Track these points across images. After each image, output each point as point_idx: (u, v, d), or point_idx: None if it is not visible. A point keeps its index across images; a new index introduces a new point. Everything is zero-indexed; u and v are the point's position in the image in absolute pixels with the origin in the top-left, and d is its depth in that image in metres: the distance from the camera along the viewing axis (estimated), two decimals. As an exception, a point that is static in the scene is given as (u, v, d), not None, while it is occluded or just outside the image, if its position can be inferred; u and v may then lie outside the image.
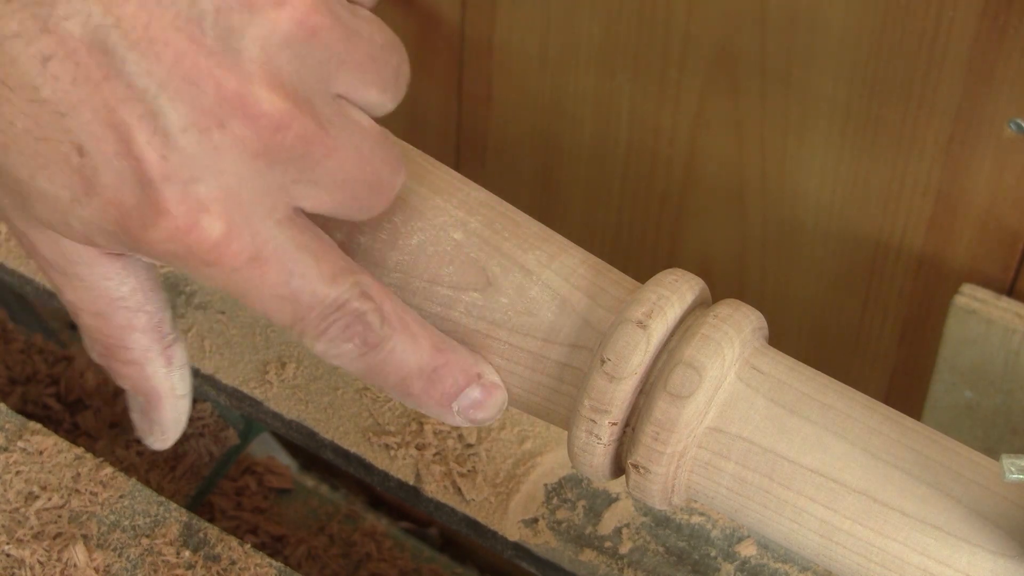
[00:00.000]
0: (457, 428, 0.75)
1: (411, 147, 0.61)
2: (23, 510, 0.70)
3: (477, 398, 0.56)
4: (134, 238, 0.50)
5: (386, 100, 0.54)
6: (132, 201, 0.49)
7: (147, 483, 0.79)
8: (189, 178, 0.49)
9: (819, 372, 0.56)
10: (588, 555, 0.71)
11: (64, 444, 0.72)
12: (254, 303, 0.52)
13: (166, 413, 0.57)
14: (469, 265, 0.57)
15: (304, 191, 0.51)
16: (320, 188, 0.51)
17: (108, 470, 0.71)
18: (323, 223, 0.54)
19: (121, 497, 0.71)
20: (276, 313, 0.52)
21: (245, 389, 0.76)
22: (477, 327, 0.57)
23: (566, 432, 0.59)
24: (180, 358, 0.57)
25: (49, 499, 0.70)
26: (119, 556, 0.69)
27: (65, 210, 0.50)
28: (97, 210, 0.49)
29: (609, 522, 0.72)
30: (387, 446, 0.74)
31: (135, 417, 0.58)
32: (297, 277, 0.51)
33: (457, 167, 1.08)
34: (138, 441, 0.82)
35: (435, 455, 0.74)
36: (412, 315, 0.54)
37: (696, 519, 0.72)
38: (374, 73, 0.53)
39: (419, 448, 0.74)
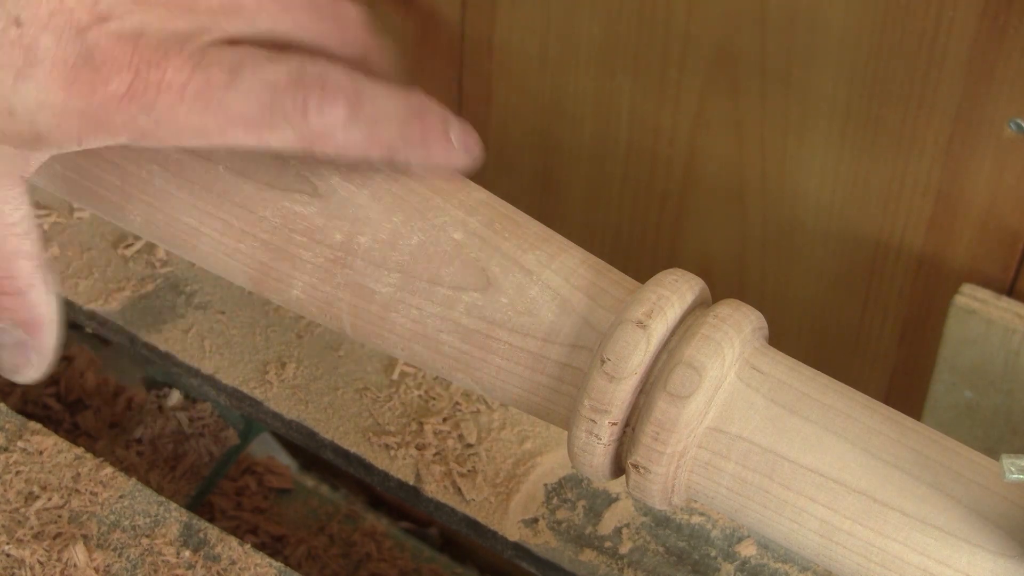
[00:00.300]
0: (457, 428, 0.75)
1: None
2: (23, 510, 0.70)
3: (457, 124, 0.56)
4: (89, 92, 0.49)
5: None
6: (76, 53, 0.49)
7: (147, 483, 0.79)
8: (123, 13, 0.49)
9: (819, 372, 0.56)
10: (588, 555, 0.71)
11: (64, 444, 0.72)
12: (230, 115, 0.51)
13: (47, 338, 0.57)
14: (469, 265, 0.57)
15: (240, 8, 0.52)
16: (260, 4, 0.52)
17: (108, 470, 0.71)
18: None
19: (121, 497, 0.71)
20: (253, 112, 0.52)
21: (245, 389, 0.76)
22: (477, 327, 0.57)
23: (566, 432, 0.59)
24: (52, 281, 0.56)
25: (49, 499, 0.70)
26: (119, 556, 0.69)
27: (8, 93, 0.49)
28: (43, 78, 0.49)
29: (609, 522, 0.72)
30: (387, 446, 0.74)
31: (5, 354, 0.57)
32: (248, 69, 0.52)
33: (457, 167, 1.08)
34: (138, 441, 0.82)
35: (435, 455, 0.74)
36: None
37: (696, 519, 0.72)
38: None
39: (419, 448, 0.74)
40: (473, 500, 0.72)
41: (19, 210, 0.54)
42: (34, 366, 0.58)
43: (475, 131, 0.57)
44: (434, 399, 0.76)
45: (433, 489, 0.73)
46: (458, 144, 0.56)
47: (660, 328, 0.55)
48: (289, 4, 0.54)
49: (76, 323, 0.82)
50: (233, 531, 0.86)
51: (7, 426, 0.73)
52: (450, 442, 0.74)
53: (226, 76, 0.51)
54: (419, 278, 0.57)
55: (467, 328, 0.57)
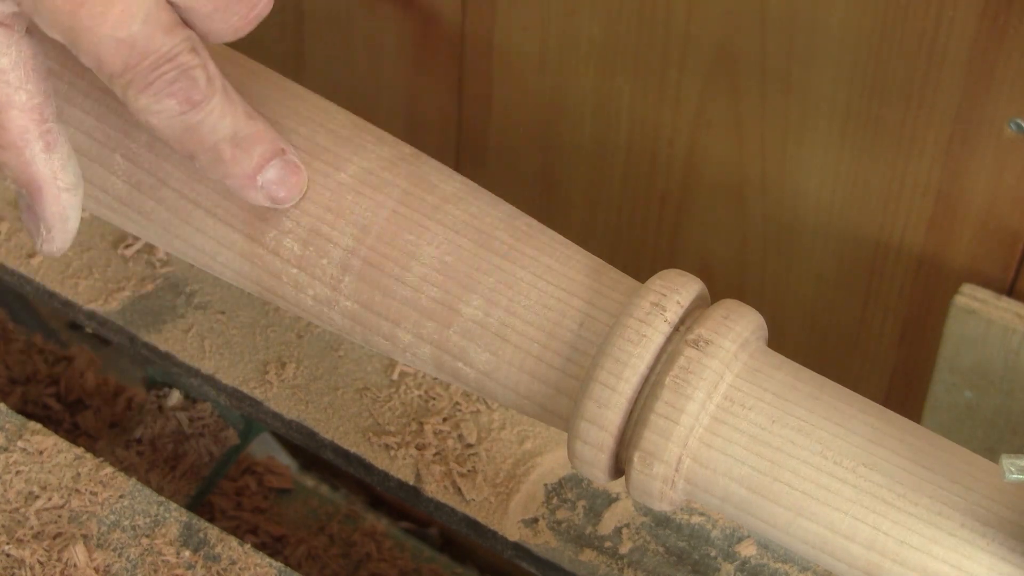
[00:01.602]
0: (457, 428, 0.75)
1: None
2: (23, 510, 0.70)
3: (280, 173, 0.56)
4: None
5: None
6: None
7: (147, 483, 0.79)
8: None
9: (817, 374, 0.56)
10: (588, 555, 0.71)
11: (64, 444, 0.72)
12: (89, 44, 0.52)
13: (49, 204, 0.56)
14: (466, 276, 0.57)
15: None
16: None
17: (108, 470, 0.71)
18: None
19: (121, 497, 0.71)
20: (109, 57, 0.52)
21: (245, 389, 0.76)
22: (479, 333, 0.57)
23: (566, 432, 0.59)
24: (62, 148, 0.56)
25: (49, 499, 0.70)
26: (119, 556, 0.69)
27: None
28: None
29: (609, 522, 0.72)
30: (387, 446, 0.74)
31: (24, 218, 0.57)
32: (139, 22, 0.52)
33: (457, 167, 1.08)
34: (138, 441, 0.82)
35: (435, 455, 0.74)
36: (227, 80, 0.55)
37: (696, 519, 0.72)
38: None
39: (419, 448, 0.74)
40: (473, 500, 0.72)
41: (5, 56, 0.54)
42: (44, 236, 0.57)
43: (298, 180, 0.57)
44: (434, 399, 0.76)
45: (433, 489, 0.73)
46: (263, 189, 0.57)
47: (658, 331, 0.55)
48: None
49: (76, 323, 0.82)
50: (233, 531, 0.86)
51: (7, 426, 0.73)
52: (450, 442, 0.74)
53: (116, 5, 0.51)
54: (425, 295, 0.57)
55: (468, 334, 0.57)
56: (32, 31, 0.55)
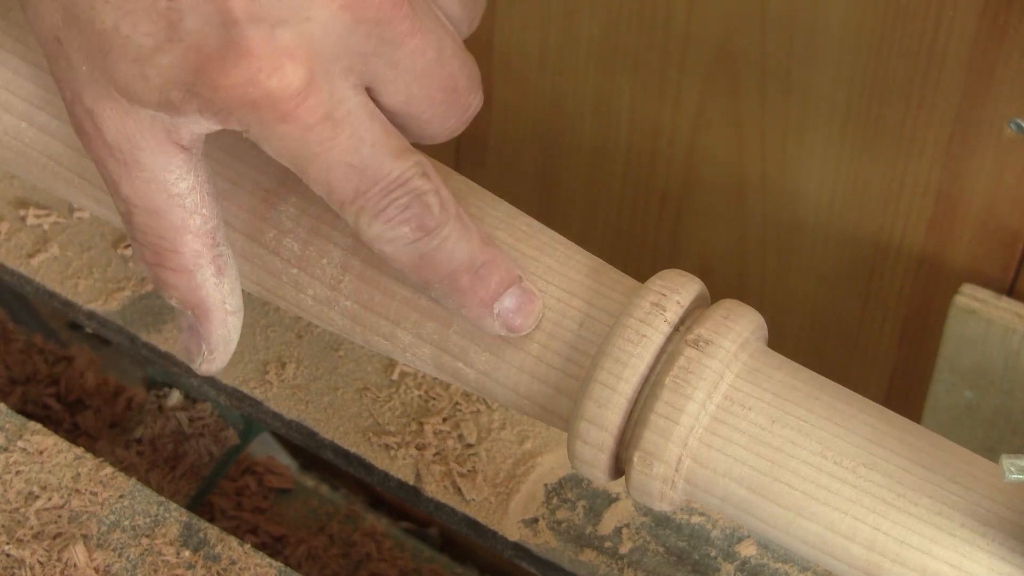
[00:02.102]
0: (457, 428, 0.75)
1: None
2: (23, 510, 0.70)
3: (518, 301, 0.55)
4: (212, 83, 0.49)
5: (464, 16, 0.54)
6: (215, 44, 0.48)
7: (147, 483, 0.79)
8: (276, 20, 0.48)
9: (817, 375, 0.56)
10: (588, 555, 0.71)
11: (64, 444, 0.72)
12: (320, 170, 0.51)
13: (216, 327, 0.56)
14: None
15: (382, 70, 0.51)
16: (398, 72, 0.51)
17: (108, 470, 0.71)
18: None
19: (121, 497, 0.71)
20: (340, 183, 0.51)
21: (245, 389, 0.76)
22: (479, 333, 0.57)
23: (566, 432, 0.59)
24: (231, 272, 0.56)
25: (49, 499, 0.70)
26: (119, 556, 0.69)
27: (145, 59, 0.49)
28: (178, 56, 0.49)
29: (609, 522, 0.72)
30: (387, 446, 0.74)
31: (182, 338, 0.57)
32: (368, 145, 0.51)
33: (457, 167, 1.08)
34: (138, 441, 0.82)
35: (435, 455, 0.74)
36: (461, 206, 0.54)
37: (696, 519, 0.72)
38: None
39: (419, 448, 0.74)
40: (473, 500, 0.72)
41: (184, 181, 0.53)
42: (204, 357, 0.57)
43: (535, 308, 0.56)
44: (434, 399, 0.76)
45: (433, 489, 0.73)
46: (500, 318, 0.55)
47: (658, 331, 0.55)
48: (429, 76, 0.53)
49: (76, 323, 0.82)
50: (233, 531, 0.86)
51: (7, 426, 0.73)
52: (450, 442, 0.74)
53: (343, 131, 0.51)
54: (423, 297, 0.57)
55: (469, 332, 0.57)
56: (208, 154, 0.55)
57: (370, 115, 0.51)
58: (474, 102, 0.54)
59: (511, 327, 0.56)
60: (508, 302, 0.55)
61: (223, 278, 0.56)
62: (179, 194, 0.53)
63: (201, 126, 0.52)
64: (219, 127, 0.52)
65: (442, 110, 0.54)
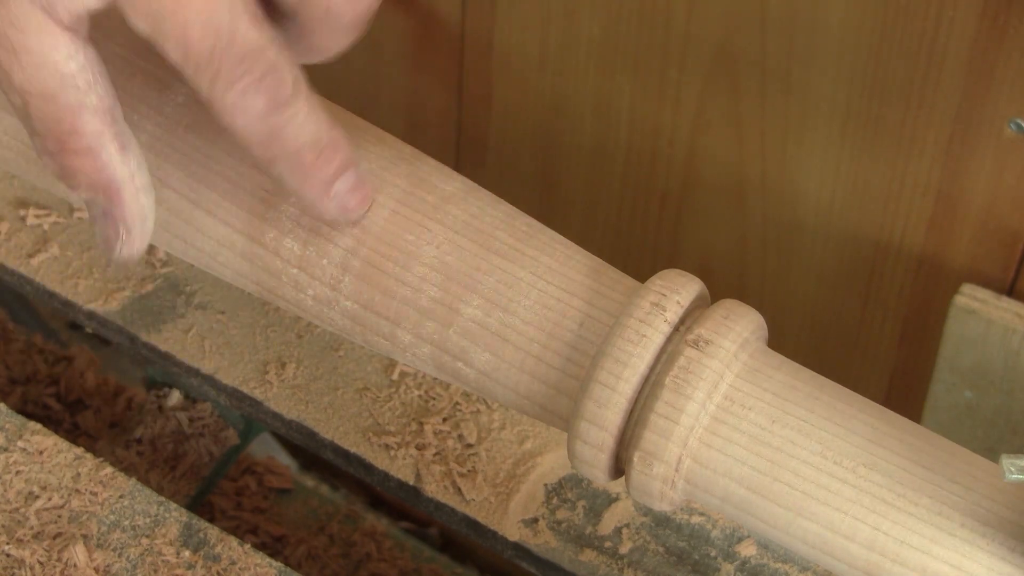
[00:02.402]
0: (457, 428, 0.75)
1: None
2: (23, 510, 0.70)
3: (353, 183, 0.56)
4: None
5: None
6: None
7: (147, 483, 0.79)
8: None
9: (817, 375, 0.56)
10: (588, 555, 0.71)
11: (64, 444, 0.72)
12: (177, 27, 0.51)
13: (128, 204, 0.56)
14: (466, 276, 0.57)
15: None
16: None
17: (108, 470, 0.71)
18: None
19: (121, 497, 0.71)
20: (196, 42, 0.51)
21: (245, 389, 0.76)
22: (479, 333, 0.57)
23: (566, 432, 0.59)
24: (134, 149, 0.56)
25: (49, 499, 0.70)
26: (119, 556, 0.69)
27: None
28: None
29: (609, 522, 0.72)
30: (387, 446, 0.74)
31: (98, 228, 0.57)
32: (226, 7, 0.51)
33: (457, 167, 1.08)
34: (138, 441, 0.82)
35: (435, 455, 0.74)
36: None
37: (696, 519, 0.72)
38: None
39: (419, 448, 0.74)
40: (473, 500, 0.72)
41: (73, 60, 0.53)
42: (123, 240, 0.56)
43: (367, 192, 0.57)
44: (434, 399, 0.76)
45: (433, 489, 0.73)
46: (336, 199, 0.56)
47: (658, 331, 0.55)
48: None
49: (76, 323, 0.82)
50: (233, 531, 0.86)
51: (7, 426, 0.73)
52: (450, 442, 0.74)
53: None
54: (425, 295, 0.57)
55: (469, 334, 0.57)
56: (91, 40, 0.55)
57: None
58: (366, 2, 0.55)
59: (346, 209, 0.56)
60: (345, 184, 0.56)
61: (127, 154, 0.55)
62: (70, 74, 0.54)
63: (74, 2, 0.52)
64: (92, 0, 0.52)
65: (335, 7, 0.54)
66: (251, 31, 0.52)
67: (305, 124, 0.54)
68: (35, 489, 0.71)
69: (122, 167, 0.55)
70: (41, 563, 0.68)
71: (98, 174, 0.55)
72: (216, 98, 0.53)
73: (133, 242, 0.57)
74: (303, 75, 0.54)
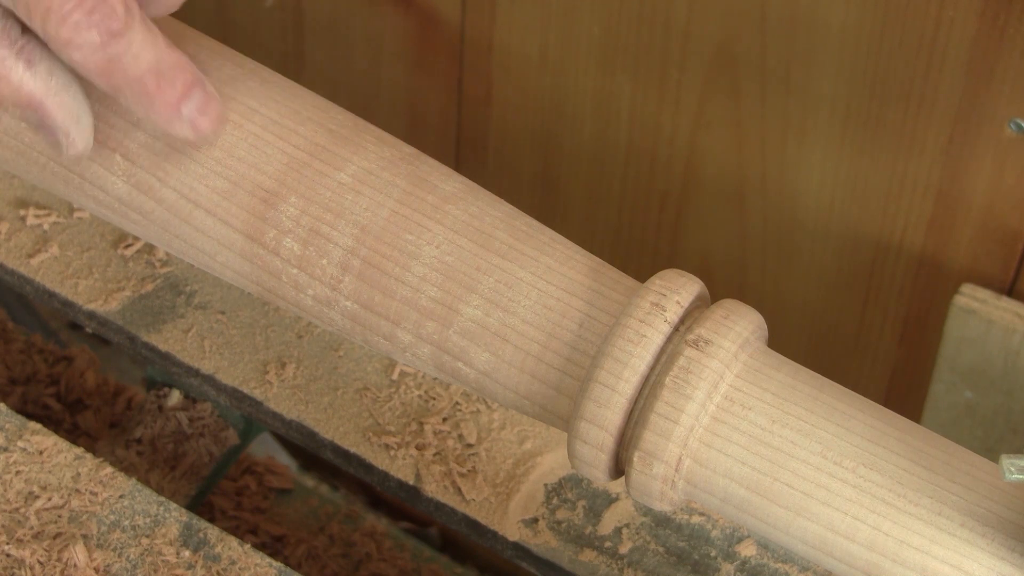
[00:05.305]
0: (457, 428, 0.75)
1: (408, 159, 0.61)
2: (23, 510, 0.70)
3: (202, 102, 0.57)
4: None
5: None
6: None
7: (147, 483, 0.79)
8: None
9: (817, 375, 0.56)
10: (588, 555, 0.71)
11: (64, 444, 0.72)
12: None
13: (55, 111, 0.57)
14: (466, 276, 0.57)
15: None
16: None
17: (108, 470, 0.71)
18: None
19: (121, 497, 0.71)
20: None
21: (245, 389, 0.76)
22: (479, 333, 0.57)
23: (566, 433, 0.59)
24: (43, 56, 0.56)
25: (49, 499, 0.70)
26: (119, 556, 0.69)
27: None
28: None
29: (609, 522, 0.72)
30: (387, 446, 0.74)
31: (39, 139, 0.58)
32: None
33: (457, 167, 1.08)
34: (138, 441, 0.82)
35: (435, 455, 0.74)
36: (142, 11, 0.55)
37: (696, 519, 0.72)
38: None
39: (419, 448, 0.74)
40: (473, 500, 0.72)
41: None
42: (64, 143, 0.58)
43: (217, 109, 0.57)
44: (434, 399, 0.76)
45: (433, 489, 0.73)
46: (186, 121, 0.57)
47: (658, 331, 0.55)
48: None
49: (76, 323, 0.82)
50: (233, 531, 0.86)
51: (7, 426, 0.73)
52: (450, 442, 0.74)
53: None
54: (424, 296, 0.57)
55: (469, 333, 0.57)
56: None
57: None
58: None
59: (197, 128, 0.57)
60: (193, 103, 0.57)
61: (36, 67, 0.56)
62: None
63: None
64: None
65: None
66: None
67: (142, 51, 0.55)
68: (35, 489, 0.71)
69: (36, 81, 0.56)
70: (41, 563, 0.68)
71: (16, 94, 0.56)
72: (51, 35, 0.54)
73: (75, 141, 0.58)
74: (135, 3, 0.55)
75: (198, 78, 0.57)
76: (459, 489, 0.73)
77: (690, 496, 0.56)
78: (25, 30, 0.56)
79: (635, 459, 0.54)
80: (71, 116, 0.57)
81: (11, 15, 0.56)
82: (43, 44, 0.56)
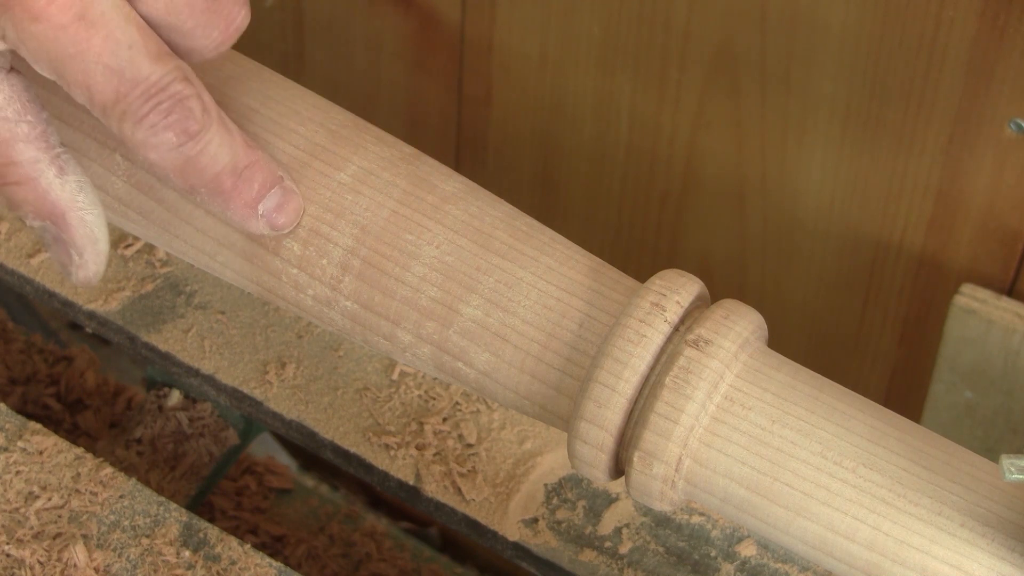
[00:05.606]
0: (457, 428, 0.75)
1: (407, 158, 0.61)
2: (23, 510, 0.70)
3: (279, 200, 0.57)
4: None
5: None
6: None
7: (147, 483, 0.79)
8: None
9: (817, 375, 0.56)
10: (588, 555, 0.71)
11: (64, 444, 0.72)
12: (77, 72, 0.52)
13: (75, 227, 0.56)
14: (466, 276, 0.57)
15: None
16: None
17: (108, 470, 0.71)
18: None
19: (121, 497, 0.71)
20: (100, 86, 0.52)
21: (245, 389, 0.76)
22: (479, 333, 0.57)
23: (566, 433, 0.59)
24: (74, 170, 0.56)
25: (49, 499, 0.70)
26: (119, 556, 0.69)
27: None
28: None
29: (609, 522, 0.72)
30: (387, 446, 0.74)
31: (52, 254, 0.57)
32: (125, 48, 0.52)
33: (457, 167, 1.08)
34: (138, 441, 0.82)
35: (435, 455, 0.74)
36: (221, 110, 0.55)
37: (696, 519, 0.72)
38: None
39: (419, 448, 0.74)
40: (473, 500, 0.72)
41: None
42: (76, 263, 0.57)
43: (296, 204, 0.57)
44: (434, 399, 0.76)
45: (433, 489, 0.73)
46: (264, 218, 0.57)
47: (658, 331, 0.55)
48: None
49: (76, 323, 0.82)
50: (233, 531, 0.86)
51: (7, 426, 0.73)
52: (450, 442, 0.74)
53: (98, 32, 0.51)
54: (425, 295, 0.57)
55: (468, 334, 0.57)
56: (17, 69, 0.55)
57: (125, 17, 0.52)
58: (239, 16, 0.55)
59: (275, 226, 0.57)
60: (271, 202, 0.57)
61: (67, 177, 0.56)
62: None
63: None
64: None
65: (204, 19, 0.54)
66: (154, 68, 0.52)
67: (219, 151, 0.55)
68: (35, 489, 0.71)
69: (63, 192, 0.56)
70: (41, 563, 0.68)
71: (40, 201, 0.55)
72: (127, 136, 0.53)
73: (87, 264, 0.57)
74: (213, 103, 0.54)
75: (276, 177, 0.56)
76: (459, 489, 0.73)
77: (690, 496, 0.56)
78: (62, 142, 0.56)
79: (635, 459, 0.54)
80: (89, 237, 0.56)
81: (54, 122, 0.55)
82: (77, 160, 0.56)
